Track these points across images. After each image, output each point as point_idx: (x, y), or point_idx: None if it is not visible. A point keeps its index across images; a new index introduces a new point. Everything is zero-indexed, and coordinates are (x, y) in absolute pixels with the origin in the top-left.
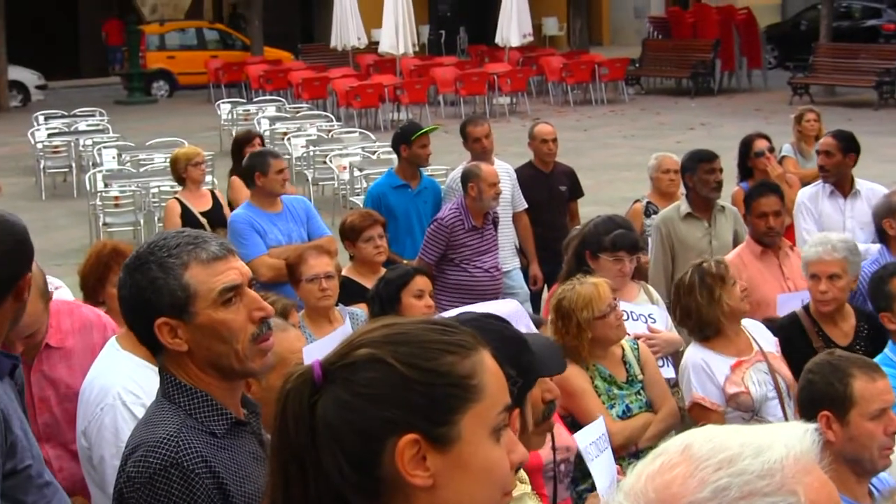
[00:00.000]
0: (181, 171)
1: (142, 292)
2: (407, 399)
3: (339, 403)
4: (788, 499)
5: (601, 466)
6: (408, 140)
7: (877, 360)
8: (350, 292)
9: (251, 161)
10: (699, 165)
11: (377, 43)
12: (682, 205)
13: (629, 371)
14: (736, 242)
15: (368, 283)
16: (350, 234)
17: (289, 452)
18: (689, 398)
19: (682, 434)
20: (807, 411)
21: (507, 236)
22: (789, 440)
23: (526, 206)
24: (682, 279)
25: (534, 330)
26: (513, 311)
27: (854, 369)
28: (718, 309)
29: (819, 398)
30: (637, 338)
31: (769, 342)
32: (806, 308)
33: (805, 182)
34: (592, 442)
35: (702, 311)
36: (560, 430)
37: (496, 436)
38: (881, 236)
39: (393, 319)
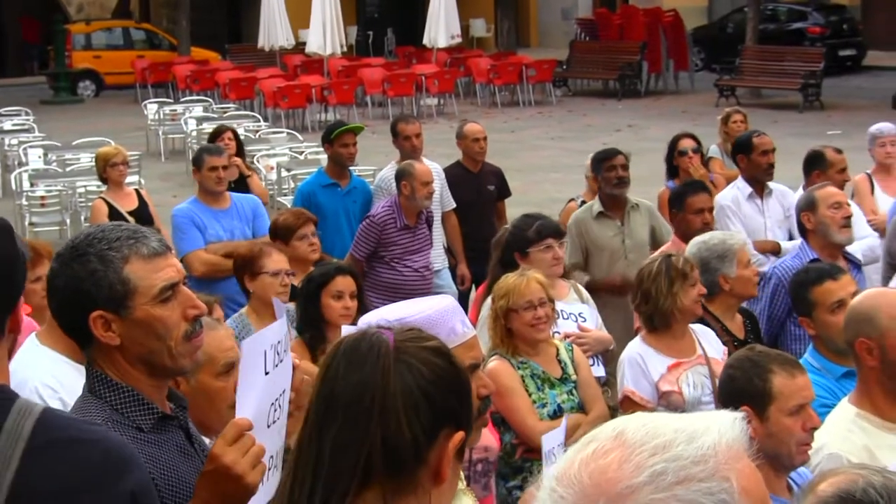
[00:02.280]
0: (101, 171)
1: (79, 283)
2: (460, 398)
3: (418, 376)
4: (722, 484)
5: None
6: (329, 139)
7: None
8: None
9: (193, 157)
10: (601, 164)
11: (305, 44)
12: (595, 204)
13: (564, 370)
14: (654, 238)
15: (297, 282)
16: (283, 234)
17: (368, 412)
18: (621, 391)
19: (613, 420)
20: (727, 406)
21: (436, 236)
22: (720, 427)
23: (454, 205)
24: (650, 265)
25: (468, 326)
26: (447, 306)
27: (774, 365)
28: (673, 303)
29: (739, 393)
30: (567, 336)
31: (716, 349)
32: (703, 309)
33: (731, 182)
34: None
35: (658, 300)
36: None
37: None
38: (801, 230)
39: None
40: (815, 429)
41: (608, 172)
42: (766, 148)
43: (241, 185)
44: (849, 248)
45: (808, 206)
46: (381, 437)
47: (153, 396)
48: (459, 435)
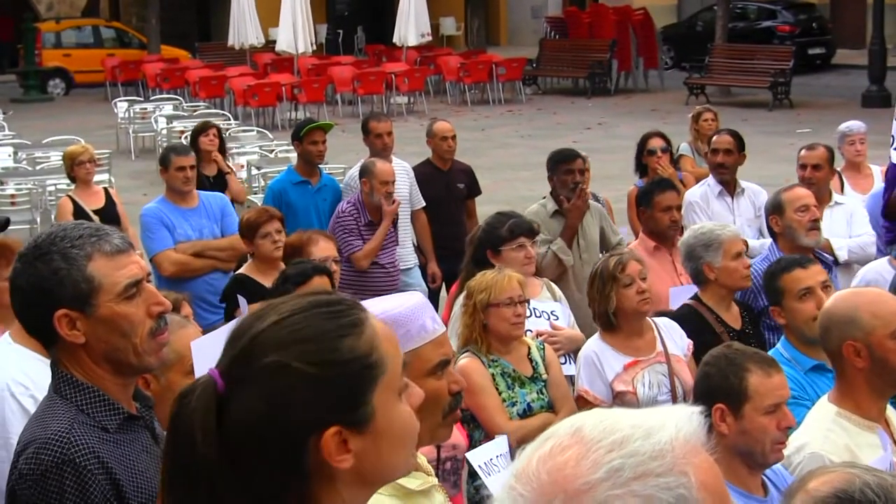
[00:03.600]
0: (69, 169)
1: (42, 282)
2: (323, 397)
3: (254, 415)
4: (680, 479)
5: (500, 483)
6: (298, 136)
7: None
8: (249, 290)
9: (160, 156)
10: (558, 166)
11: (275, 42)
12: (549, 203)
13: (535, 368)
14: (602, 239)
15: (267, 282)
16: (247, 232)
17: (196, 472)
18: (576, 390)
19: (571, 417)
20: (702, 403)
21: (406, 234)
22: (678, 422)
23: (424, 204)
24: (594, 269)
25: (439, 323)
26: (417, 303)
27: (750, 364)
28: (607, 305)
29: (714, 391)
30: (539, 335)
31: (679, 345)
32: (695, 298)
33: (700, 181)
34: (489, 461)
35: (594, 303)
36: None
37: (401, 396)
38: (771, 232)
39: (278, 311)
40: (790, 428)
41: (565, 175)
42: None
43: (219, 181)
44: (837, 245)
45: (774, 210)
46: (210, 499)
47: (119, 396)
48: (329, 432)
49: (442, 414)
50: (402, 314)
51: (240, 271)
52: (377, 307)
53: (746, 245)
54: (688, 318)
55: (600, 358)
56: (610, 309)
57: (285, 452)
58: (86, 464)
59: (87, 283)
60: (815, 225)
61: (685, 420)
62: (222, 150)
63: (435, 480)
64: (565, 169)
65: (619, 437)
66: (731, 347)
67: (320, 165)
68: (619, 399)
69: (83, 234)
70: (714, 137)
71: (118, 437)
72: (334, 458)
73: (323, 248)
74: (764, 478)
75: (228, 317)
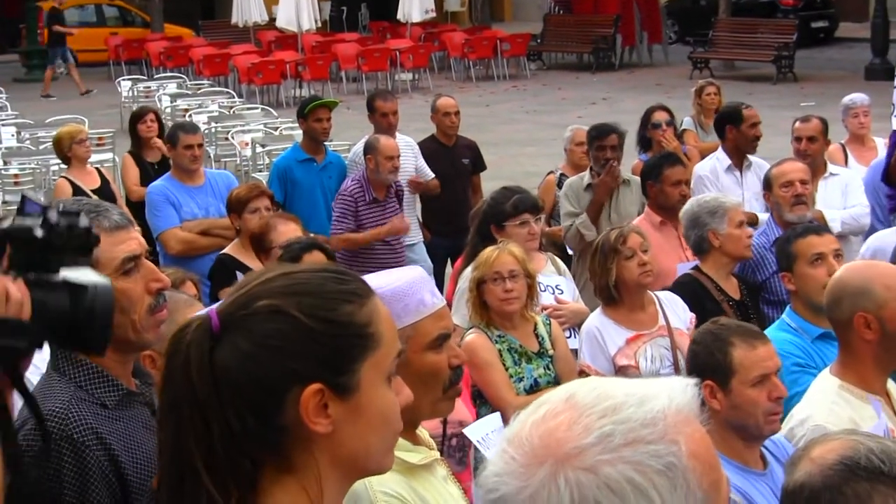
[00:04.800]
0: (66, 149)
1: None
2: (311, 350)
3: (241, 354)
4: (670, 447)
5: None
6: (303, 114)
7: (774, 324)
8: (230, 270)
9: (167, 134)
10: (593, 141)
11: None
12: (586, 176)
13: (541, 344)
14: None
15: (251, 262)
16: (236, 206)
17: (190, 405)
18: (579, 364)
19: (566, 384)
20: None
21: (410, 210)
22: (671, 392)
23: (433, 175)
24: (594, 242)
25: (438, 297)
26: (416, 277)
27: (734, 338)
28: (608, 279)
29: (702, 368)
30: (544, 309)
31: (681, 318)
32: (696, 269)
33: (705, 155)
34: (486, 436)
35: (595, 276)
36: (458, 404)
37: (389, 381)
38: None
39: (288, 267)
40: (782, 398)
41: (598, 152)
42: (754, 120)
43: (164, 167)
44: (830, 217)
45: (765, 185)
46: (201, 436)
47: (118, 372)
48: (311, 388)
49: (442, 388)
50: (401, 288)
51: (224, 251)
52: (375, 281)
53: (756, 218)
54: (689, 287)
55: (602, 332)
56: (611, 281)
57: (265, 399)
58: (84, 440)
59: None
60: (799, 200)
61: (679, 390)
62: (162, 135)
63: (437, 454)
64: (598, 145)
65: (612, 403)
66: (717, 323)
67: (325, 143)
68: (622, 373)
69: (82, 209)
70: (745, 111)
71: (117, 414)
72: (312, 417)
73: (282, 233)
74: (763, 450)
75: (213, 298)
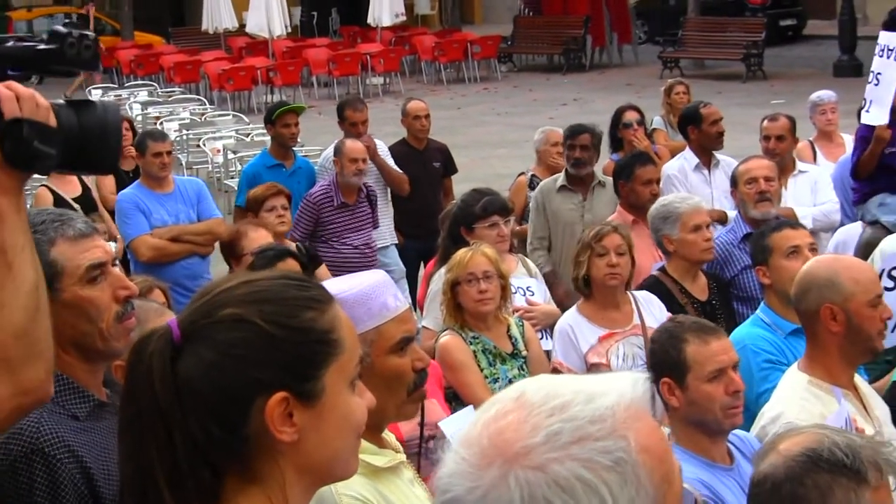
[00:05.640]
0: None
1: None
2: (275, 358)
3: (205, 364)
4: (619, 443)
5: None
6: (271, 119)
7: (748, 320)
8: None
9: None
10: (566, 141)
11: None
12: (560, 177)
13: (515, 345)
14: None
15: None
16: (253, 205)
17: (152, 416)
18: (551, 362)
19: (517, 383)
20: (654, 379)
21: (383, 213)
22: (620, 388)
23: (406, 178)
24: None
25: (401, 300)
26: (378, 281)
27: (688, 334)
28: (578, 272)
29: (659, 365)
30: (516, 311)
31: (657, 318)
32: (662, 270)
33: (675, 154)
34: (461, 429)
35: (574, 268)
36: (434, 406)
37: (353, 386)
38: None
39: (249, 275)
40: (739, 392)
41: (569, 151)
42: (714, 118)
43: (139, 174)
44: (801, 214)
45: (732, 183)
46: (164, 448)
47: (88, 382)
48: (277, 397)
49: (406, 391)
50: (363, 292)
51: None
52: (338, 286)
53: (726, 215)
54: (652, 288)
55: (575, 330)
56: (580, 274)
57: (230, 408)
58: (55, 453)
59: (50, 267)
60: (763, 197)
61: (628, 386)
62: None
63: (403, 457)
64: (569, 144)
65: (561, 402)
66: (674, 321)
67: (295, 148)
68: (593, 371)
69: (46, 219)
70: (702, 110)
71: (89, 426)
72: (277, 426)
73: (253, 240)
74: (730, 446)
75: None
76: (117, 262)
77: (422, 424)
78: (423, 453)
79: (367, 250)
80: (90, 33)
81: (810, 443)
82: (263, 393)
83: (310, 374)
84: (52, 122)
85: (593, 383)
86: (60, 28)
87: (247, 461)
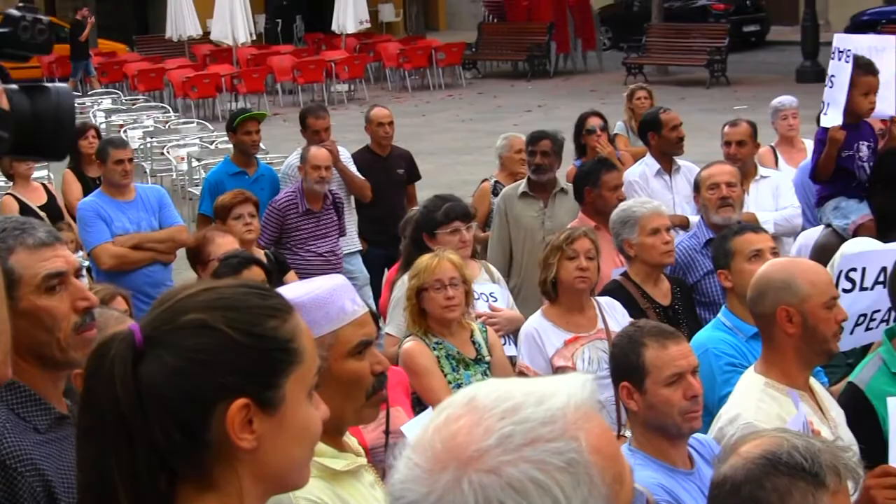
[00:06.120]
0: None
1: None
2: (239, 364)
3: (168, 369)
4: (571, 444)
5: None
6: (232, 127)
7: (710, 323)
8: None
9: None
10: (527, 147)
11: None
12: (522, 183)
13: (478, 351)
14: None
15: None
16: (220, 213)
17: (113, 422)
18: (517, 365)
19: (467, 387)
20: (615, 383)
21: (347, 220)
22: (570, 389)
23: (368, 184)
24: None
25: (359, 304)
26: (336, 285)
27: (646, 339)
28: (546, 274)
29: (619, 370)
30: (479, 316)
31: (620, 322)
32: (624, 275)
33: (637, 159)
34: None
35: (541, 270)
36: (399, 413)
37: (310, 396)
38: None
39: (211, 283)
40: (697, 396)
41: (530, 157)
42: (674, 123)
43: None
44: (763, 219)
45: (694, 188)
46: (123, 454)
47: (49, 393)
48: (238, 403)
49: (365, 394)
50: (321, 296)
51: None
52: (296, 290)
53: (687, 221)
54: (614, 293)
55: (541, 334)
56: (549, 277)
57: (193, 414)
58: (16, 466)
59: (8, 275)
60: (724, 202)
61: (578, 388)
62: None
63: (364, 461)
64: (530, 150)
65: (512, 404)
66: (634, 325)
67: (259, 155)
68: (559, 374)
69: (7, 227)
70: (662, 115)
71: (50, 437)
72: (237, 433)
73: (220, 246)
74: (690, 450)
75: None
76: (84, 272)
77: (387, 432)
78: (387, 459)
79: (332, 258)
80: (44, 17)
81: (770, 446)
82: (225, 399)
83: (272, 381)
84: (5, 104)
85: (543, 385)
86: (14, 11)
87: (205, 467)
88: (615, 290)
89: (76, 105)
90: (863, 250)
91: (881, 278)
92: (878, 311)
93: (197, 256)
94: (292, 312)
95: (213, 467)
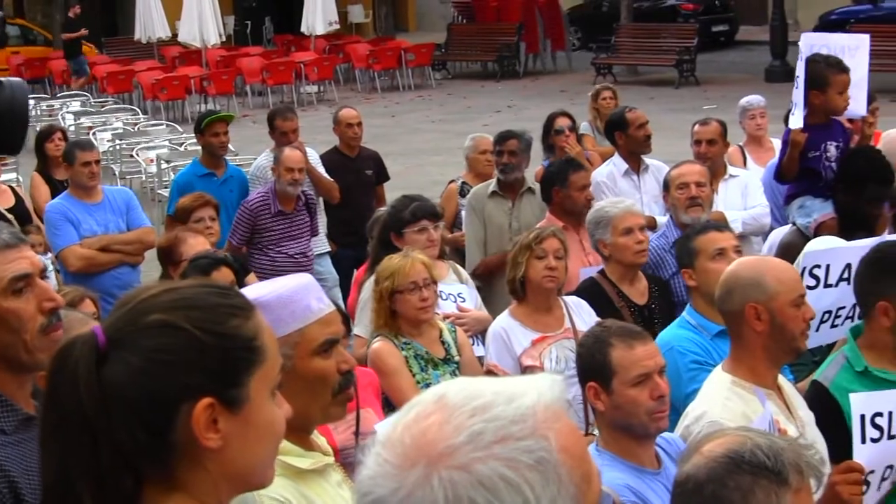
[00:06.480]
0: None
1: None
2: (203, 364)
3: (132, 369)
4: (541, 443)
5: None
6: (200, 129)
7: (674, 322)
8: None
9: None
10: (495, 147)
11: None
12: (492, 183)
13: (447, 351)
14: None
15: None
16: (181, 216)
17: (77, 424)
18: (485, 364)
19: (435, 386)
20: (582, 382)
21: (318, 221)
22: (540, 388)
23: (336, 186)
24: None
25: (325, 303)
26: (301, 284)
27: (613, 339)
28: (514, 273)
29: (586, 370)
30: (447, 317)
31: (587, 322)
32: (601, 273)
33: (606, 159)
34: None
35: (509, 269)
36: (370, 415)
37: (274, 394)
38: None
39: (172, 283)
40: (664, 397)
41: (498, 157)
42: (640, 121)
43: None
44: (731, 218)
45: (664, 187)
46: (88, 455)
47: (16, 395)
48: (203, 402)
49: (332, 393)
50: (286, 295)
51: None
52: (262, 289)
53: (654, 221)
54: (589, 291)
55: (509, 333)
56: (517, 275)
57: (158, 414)
58: None
59: None
60: (694, 202)
61: (547, 387)
62: None
63: (331, 459)
64: (498, 150)
65: (482, 402)
66: (601, 325)
67: (227, 157)
68: (527, 373)
69: None
70: (628, 114)
71: (17, 439)
72: (203, 433)
73: (192, 246)
74: (658, 449)
75: None
76: (50, 273)
77: (357, 433)
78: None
79: (302, 259)
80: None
81: (733, 444)
82: (190, 398)
83: (236, 380)
84: None
85: (512, 384)
86: None
87: (170, 468)
88: (589, 288)
89: (29, 105)
90: (827, 247)
91: (846, 275)
92: (844, 307)
93: (168, 257)
94: (254, 311)
95: (179, 467)
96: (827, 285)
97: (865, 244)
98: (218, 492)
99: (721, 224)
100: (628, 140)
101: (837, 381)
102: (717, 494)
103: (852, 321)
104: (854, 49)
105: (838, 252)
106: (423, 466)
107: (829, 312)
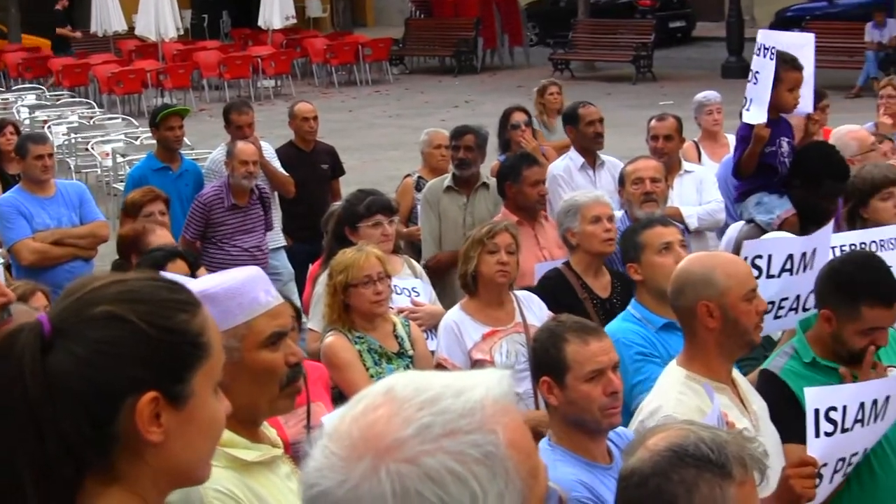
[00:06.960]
0: None
1: None
2: (149, 357)
3: (78, 360)
4: (488, 437)
5: None
6: (155, 123)
7: (619, 315)
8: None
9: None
10: (451, 141)
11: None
12: (447, 178)
13: (401, 345)
14: None
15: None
16: (131, 210)
17: (22, 412)
18: (436, 358)
19: (383, 379)
20: (535, 377)
21: (273, 215)
22: (488, 383)
23: (291, 180)
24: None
25: (273, 295)
26: (249, 276)
27: (568, 334)
28: (466, 267)
29: (540, 365)
30: (401, 311)
31: (538, 316)
32: (566, 264)
33: (561, 153)
34: None
35: (461, 264)
36: (320, 409)
37: (216, 390)
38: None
39: (120, 275)
40: (617, 393)
41: (454, 152)
42: (591, 118)
43: None
44: (687, 213)
45: (619, 182)
46: (32, 445)
47: None
48: (147, 396)
49: (279, 385)
50: (234, 287)
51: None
52: (210, 281)
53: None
54: (553, 281)
55: (460, 327)
56: (469, 270)
57: (102, 406)
58: None
59: None
60: (648, 197)
61: (496, 382)
62: None
63: (280, 451)
64: (454, 145)
65: (430, 395)
66: (556, 320)
67: (182, 151)
68: (477, 367)
69: None
70: (580, 110)
71: None
72: (146, 426)
73: (159, 237)
74: (610, 444)
75: None
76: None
77: (308, 427)
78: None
79: (257, 252)
80: None
81: (676, 438)
82: (135, 392)
83: (181, 375)
84: None
85: (461, 378)
86: None
87: (111, 459)
88: (552, 279)
89: None
90: (766, 237)
91: (787, 266)
92: (787, 298)
93: (133, 247)
94: (201, 306)
95: (119, 459)
96: (769, 276)
97: (807, 238)
98: (156, 485)
99: (666, 218)
100: (578, 135)
101: (787, 369)
102: (662, 488)
103: (796, 313)
104: (800, 47)
105: (778, 242)
106: (371, 459)
107: (773, 303)
